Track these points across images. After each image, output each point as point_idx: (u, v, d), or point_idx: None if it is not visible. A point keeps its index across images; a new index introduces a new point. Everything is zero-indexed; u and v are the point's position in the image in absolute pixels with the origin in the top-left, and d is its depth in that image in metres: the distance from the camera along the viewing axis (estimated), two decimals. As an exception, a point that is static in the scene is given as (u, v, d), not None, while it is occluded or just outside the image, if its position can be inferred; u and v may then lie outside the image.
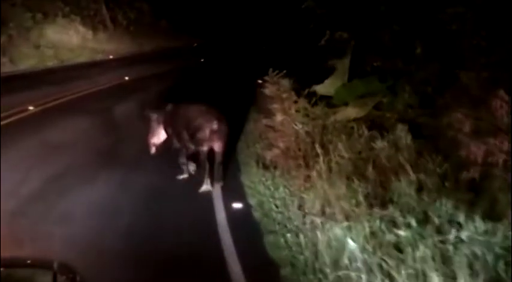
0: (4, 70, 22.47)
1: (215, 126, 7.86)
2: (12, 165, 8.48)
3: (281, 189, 7.34)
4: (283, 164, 7.92)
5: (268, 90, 8.73)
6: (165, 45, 35.82)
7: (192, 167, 8.54)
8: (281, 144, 8.15)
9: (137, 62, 27.68)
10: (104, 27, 34.73)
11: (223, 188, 7.92)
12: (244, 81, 20.41)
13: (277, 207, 6.88)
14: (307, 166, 7.35)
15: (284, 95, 8.29)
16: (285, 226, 6.17)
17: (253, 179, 8.13)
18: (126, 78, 20.67)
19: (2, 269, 2.38)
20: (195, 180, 8.14)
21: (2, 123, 11.68)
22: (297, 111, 8.08)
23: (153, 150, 8.66)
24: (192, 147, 8.10)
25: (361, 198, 5.80)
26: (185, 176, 8.47)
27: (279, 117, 8.25)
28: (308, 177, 7.07)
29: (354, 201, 5.78)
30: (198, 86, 18.69)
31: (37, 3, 28.90)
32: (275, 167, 8.13)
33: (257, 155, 9.17)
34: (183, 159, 8.47)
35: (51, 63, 25.82)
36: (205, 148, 7.92)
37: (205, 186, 7.85)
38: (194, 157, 8.33)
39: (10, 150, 9.42)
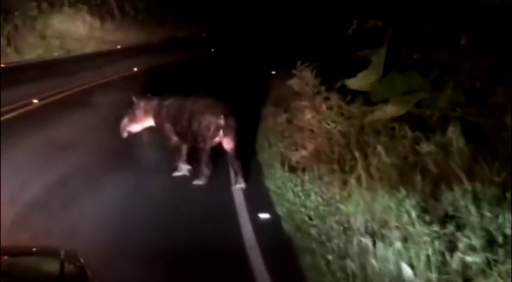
0: (9, 60, 21.75)
1: (222, 121, 7.31)
2: (13, 167, 7.70)
3: (313, 196, 6.51)
4: (313, 168, 7.11)
5: (295, 85, 7.89)
6: (174, 35, 34.98)
7: (186, 167, 7.93)
8: (310, 145, 7.36)
9: (145, 52, 26.86)
10: (112, 17, 33.93)
11: (246, 194, 7.12)
12: (258, 72, 19.64)
13: (310, 219, 6.03)
14: (343, 171, 6.54)
15: (313, 91, 7.43)
16: (324, 244, 5.33)
17: (279, 184, 7.31)
18: (135, 69, 19.86)
19: (5, 257, 2.27)
20: (214, 184, 7.38)
21: (3, 118, 10.90)
22: (329, 108, 7.24)
23: (124, 134, 8.07)
24: (195, 144, 7.55)
25: (412, 211, 4.99)
26: (181, 173, 7.84)
27: (308, 115, 7.42)
28: (344, 184, 6.26)
29: (405, 215, 4.98)
30: (208, 77, 17.96)
31: (43, -8, 28.10)
32: (303, 170, 7.32)
33: (281, 155, 8.36)
34: (180, 157, 7.86)
35: (57, 54, 25.06)
36: (208, 146, 7.37)
37: (197, 181, 7.41)
38: (197, 155, 7.68)
39: (11, 149, 8.66)
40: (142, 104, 7.95)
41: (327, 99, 7.50)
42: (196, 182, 7.49)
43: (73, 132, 10.07)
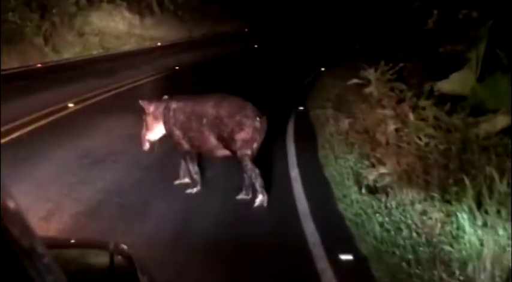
0: (46, 60, 20.93)
1: (258, 123, 6.34)
2: (42, 188, 6.59)
3: (405, 231, 5.17)
4: (399, 192, 5.79)
5: (373, 88, 6.56)
6: (215, 30, 33.89)
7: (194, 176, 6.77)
8: (392, 162, 6.01)
9: (186, 49, 25.83)
10: (151, 13, 33.09)
11: (317, 223, 5.80)
12: (305, 70, 18.35)
13: (409, 264, 4.69)
14: (444, 199, 5.19)
15: (397, 95, 6.09)
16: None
17: (357, 210, 5.97)
18: (177, 67, 18.77)
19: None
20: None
21: (32, 126, 9.85)
22: (421, 119, 5.87)
23: (146, 146, 6.98)
24: (233, 152, 6.42)
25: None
26: (196, 189, 6.73)
27: (391, 125, 6.06)
28: (448, 216, 4.93)
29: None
30: (251, 74, 16.78)
31: (81, -11, 27.26)
32: (386, 193, 6.00)
33: (353, 171, 7.06)
34: (193, 167, 6.75)
35: (95, 52, 24.17)
36: (249, 151, 6.33)
37: (261, 198, 6.28)
38: (240, 166, 6.49)
39: (41, 164, 7.57)
40: (151, 109, 6.86)
41: (415, 107, 6.10)
42: (241, 197, 6.43)
43: (111, 142, 8.94)
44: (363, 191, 6.30)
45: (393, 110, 6.21)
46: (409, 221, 5.29)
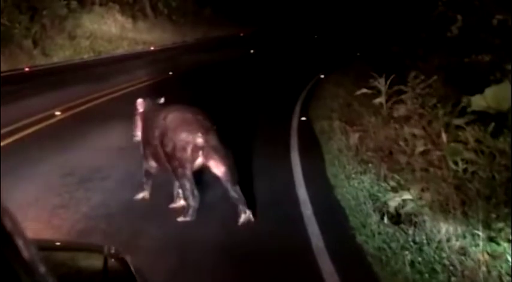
0: (35, 63, 20.12)
1: (200, 140, 5.65)
2: (23, 207, 5.78)
3: (442, 276, 4.39)
4: (430, 223, 5.02)
5: (383, 99, 5.81)
6: (210, 34, 33.16)
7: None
8: (422, 189, 5.25)
9: (180, 53, 25.06)
10: (144, 16, 32.35)
11: (336, 261, 5.00)
12: (304, 76, 17.62)
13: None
14: (488, 237, 4.43)
15: (429, 113, 5.32)
16: None
17: (380, 243, 5.15)
18: (170, 72, 18.00)
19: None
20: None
21: (15, 136, 9.05)
22: (459, 141, 5.10)
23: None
24: (173, 169, 5.84)
25: None
26: (143, 195, 6.30)
27: (420, 147, 5.29)
28: (495, 259, 4.17)
29: None
30: (247, 81, 16.10)
31: (72, -10, 26.48)
32: (414, 224, 5.23)
33: (370, 195, 6.30)
34: (146, 181, 6.36)
35: (86, 56, 23.35)
36: (187, 171, 5.71)
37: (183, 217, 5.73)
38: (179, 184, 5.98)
39: (22, 181, 6.76)
40: (140, 108, 6.37)
41: (446, 127, 5.34)
42: (182, 219, 5.75)
43: (99, 156, 8.13)
44: (385, 220, 5.52)
45: (423, 128, 5.46)
46: (446, 262, 4.52)
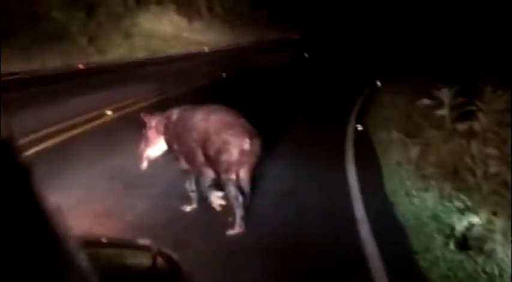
0: (90, 60, 20.22)
1: (246, 145, 5.47)
2: (63, 213, 5.53)
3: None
4: (501, 250, 4.53)
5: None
6: (265, 37, 32.89)
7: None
8: (494, 213, 4.77)
9: (234, 56, 24.85)
10: (200, 17, 32.32)
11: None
12: (360, 82, 17.12)
13: None
14: None
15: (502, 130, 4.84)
16: None
17: (445, 271, 4.68)
18: (224, 74, 17.76)
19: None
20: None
21: (63, 136, 8.92)
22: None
23: (144, 165, 6.24)
24: (217, 173, 5.68)
25: None
26: (192, 207, 6.03)
27: (493, 167, 4.81)
28: None
29: None
30: (300, 85, 15.72)
31: (129, -12, 26.69)
32: (484, 253, 4.75)
33: (433, 215, 5.82)
34: (190, 185, 6.07)
35: (141, 54, 23.39)
36: (233, 176, 5.52)
37: (237, 230, 5.46)
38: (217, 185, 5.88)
39: (66, 182, 6.55)
40: (153, 122, 6.16)
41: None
42: (231, 232, 5.45)
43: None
44: (451, 245, 5.04)
45: (497, 148, 4.98)
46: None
